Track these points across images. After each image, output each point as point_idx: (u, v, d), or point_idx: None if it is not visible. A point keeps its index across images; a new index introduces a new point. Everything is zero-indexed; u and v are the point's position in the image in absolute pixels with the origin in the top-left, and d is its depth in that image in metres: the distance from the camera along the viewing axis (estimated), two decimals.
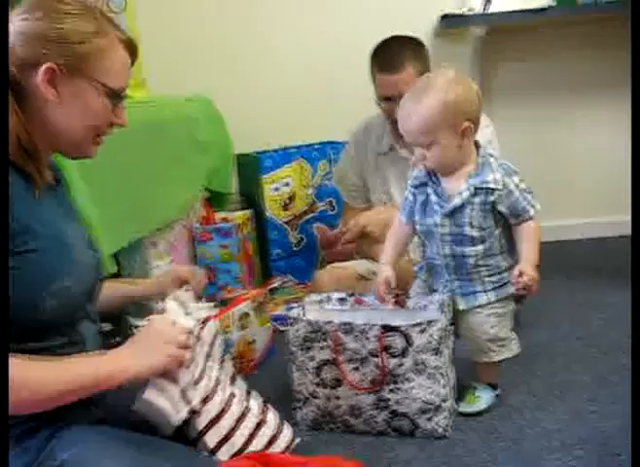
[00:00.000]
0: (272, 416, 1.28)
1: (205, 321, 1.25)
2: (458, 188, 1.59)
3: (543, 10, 2.78)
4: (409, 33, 2.18)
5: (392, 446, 1.57)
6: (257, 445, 1.20)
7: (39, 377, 1.03)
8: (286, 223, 2.83)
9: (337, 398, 1.62)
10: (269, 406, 1.31)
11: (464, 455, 1.50)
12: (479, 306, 1.65)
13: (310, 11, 3.07)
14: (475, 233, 1.60)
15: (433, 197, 1.62)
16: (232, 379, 1.29)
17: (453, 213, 1.60)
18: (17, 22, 1.09)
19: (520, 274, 1.58)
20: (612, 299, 2.34)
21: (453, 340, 1.66)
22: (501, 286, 1.65)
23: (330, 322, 1.61)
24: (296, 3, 3.07)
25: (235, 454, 1.17)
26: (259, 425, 1.22)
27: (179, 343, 1.14)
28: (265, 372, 2.03)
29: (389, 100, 2.08)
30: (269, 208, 2.78)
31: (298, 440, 1.31)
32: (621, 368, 1.82)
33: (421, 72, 2.04)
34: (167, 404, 1.13)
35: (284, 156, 2.81)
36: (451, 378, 1.63)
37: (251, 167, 2.85)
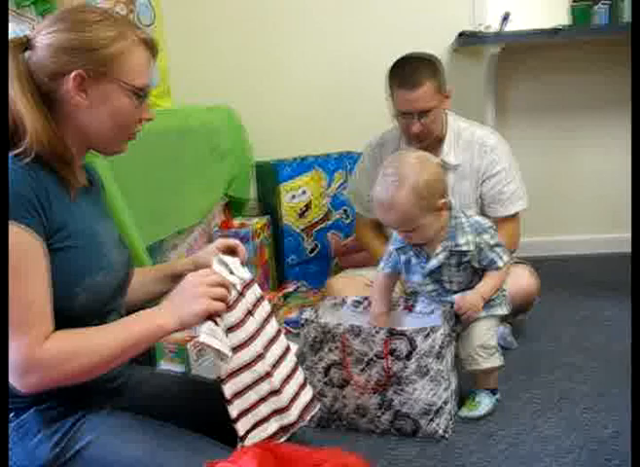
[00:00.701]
0: (290, 392, 1.30)
1: (250, 283, 1.29)
2: (435, 249, 1.70)
3: (558, 30, 2.82)
4: (427, 49, 2.25)
5: (395, 445, 1.65)
6: (263, 410, 1.24)
7: (95, 342, 1.11)
8: (302, 230, 2.92)
9: (344, 397, 1.71)
10: (304, 387, 1.34)
11: (462, 456, 1.58)
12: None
13: (330, 26, 3.17)
14: (454, 287, 1.75)
15: (413, 259, 1.75)
16: (272, 341, 1.31)
17: (433, 273, 1.73)
18: (44, 36, 1.17)
19: (462, 299, 1.70)
20: (614, 314, 2.40)
21: (456, 345, 1.74)
22: (491, 307, 1.77)
23: (339, 325, 1.70)
24: (316, 19, 3.18)
25: (244, 412, 1.21)
26: (272, 393, 1.26)
27: (214, 295, 1.16)
28: None
29: (407, 115, 2.16)
30: (286, 216, 2.87)
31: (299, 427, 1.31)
32: (619, 379, 1.88)
33: (438, 88, 2.13)
34: (221, 344, 1.17)
35: (301, 165, 2.91)
36: (453, 383, 1.71)
37: (269, 176, 2.95)
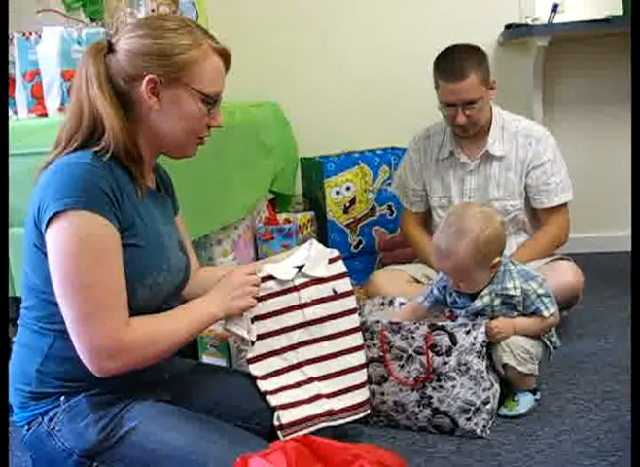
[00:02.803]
0: (326, 386, 1.45)
1: (320, 281, 1.43)
2: (480, 292, 1.71)
3: (608, 20, 2.75)
4: (473, 42, 2.23)
5: (432, 442, 1.65)
6: (295, 393, 1.41)
7: (170, 327, 1.23)
8: (346, 225, 2.93)
9: (383, 394, 1.72)
10: (358, 388, 1.50)
11: (500, 455, 1.57)
12: None
13: (376, 20, 3.17)
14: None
15: (457, 299, 1.76)
16: (318, 341, 1.44)
17: (477, 313, 1.73)
18: (124, 41, 1.22)
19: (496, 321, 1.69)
20: None
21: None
22: None
23: (378, 322, 1.71)
24: (361, 14, 3.18)
25: (276, 391, 1.40)
26: (306, 382, 1.43)
27: (255, 294, 1.36)
28: None
29: (451, 106, 2.16)
30: (331, 211, 2.89)
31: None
32: None
33: (483, 80, 2.13)
34: (245, 332, 1.38)
35: (347, 160, 2.91)
36: (494, 384, 1.70)
37: (314, 171, 2.97)
